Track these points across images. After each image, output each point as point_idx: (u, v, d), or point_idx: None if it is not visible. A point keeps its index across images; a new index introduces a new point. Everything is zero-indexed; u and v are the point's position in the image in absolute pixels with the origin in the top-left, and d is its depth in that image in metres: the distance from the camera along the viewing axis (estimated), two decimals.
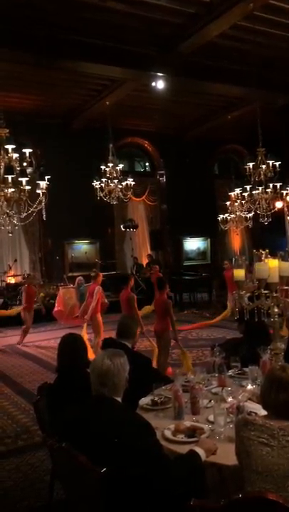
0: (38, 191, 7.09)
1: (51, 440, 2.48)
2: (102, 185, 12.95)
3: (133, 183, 13.23)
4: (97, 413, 2.21)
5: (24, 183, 6.61)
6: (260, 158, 9.01)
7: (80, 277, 11.39)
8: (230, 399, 2.94)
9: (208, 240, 17.77)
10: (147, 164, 17.77)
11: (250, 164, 9.02)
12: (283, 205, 11.83)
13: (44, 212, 6.88)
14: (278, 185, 8.88)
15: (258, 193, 9.04)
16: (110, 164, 12.90)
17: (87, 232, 14.83)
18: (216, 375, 3.43)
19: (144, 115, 14.99)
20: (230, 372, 3.49)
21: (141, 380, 3.52)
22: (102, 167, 12.83)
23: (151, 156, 17.38)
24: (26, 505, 3.44)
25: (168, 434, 2.55)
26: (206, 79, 11.87)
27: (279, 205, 11.34)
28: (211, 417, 2.72)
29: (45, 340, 9.42)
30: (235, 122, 15.59)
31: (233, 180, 16.40)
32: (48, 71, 10.67)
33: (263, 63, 11.55)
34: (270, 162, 8.88)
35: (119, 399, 2.30)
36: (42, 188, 6.91)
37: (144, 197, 16.76)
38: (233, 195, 15.44)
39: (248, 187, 9.17)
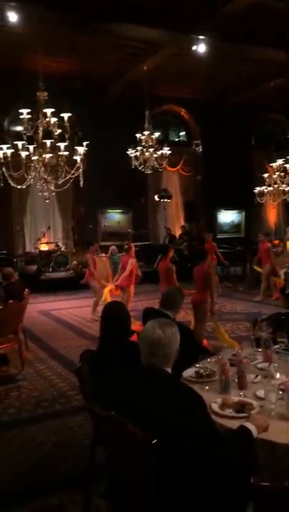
0: (75, 157, 6.96)
1: (96, 407, 2.45)
2: (138, 153, 12.75)
3: (169, 152, 12.95)
4: (147, 384, 2.14)
5: (62, 148, 6.48)
6: None
7: (113, 247, 11.35)
8: (278, 375, 2.84)
9: (243, 212, 17.37)
10: (183, 133, 17.33)
11: None
12: None
13: (82, 179, 6.77)
14: None
15: None
16: (146, 132, 12.65)
17: (120, 201, 14.68)
18: (260, 350, 3.32)
19: (182, 82, 14.50)
20: (276, 348, 3.37)
21: (184, 351, 3.46)
22: (138, 135, 12.60)
23: (187, 125, 16.92)
24: (66, 468, 3.47)
25: (215, 407, 2.47)
26: (250, 42, 11.30)
27: None
28: (259, 393, 2.62)
29: (78, 308, 9.48)
30: (276, 90, 14.91)
31: (272, 151, 15.88)
32: (84, 34, 10.37)
33: None
34: None
35: (169, 370, 2.23)
36: (80, 154, 6.78)
37: (178, 167, 16.42)
38: (272, 167, 15.03)
39: None
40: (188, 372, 3.00)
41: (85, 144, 6.73)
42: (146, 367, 2.20)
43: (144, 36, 11.00)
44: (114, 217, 14.99)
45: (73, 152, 7.02)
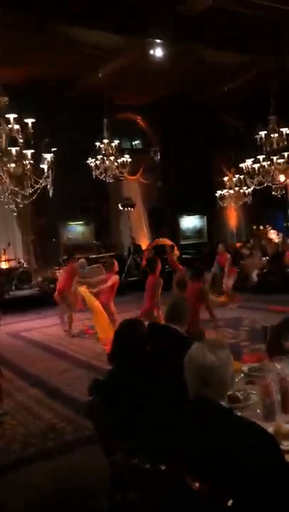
0: (42, 166, 6.48)
1: (126, 455, 2.03)
2: (98, 162, 12.37)
3: (129, 160, 12.67)
4: (200, 422, 1.74)
5: (29, 155, 5.98)
6: (271, 126, 8.48)
7: (82, 259, 10.78)
8: None
9: (205, 217, 17.32)
10: (140, 141, 17.11)
11: (262, 133, 8.47)
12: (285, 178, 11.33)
13: (51, 190, 6.28)
14: None
15: (269, 164, 8.53)
16: (105, 140, 12.31)
17: (82, 212, 14.21)
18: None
19: (137, 88, 14.26)
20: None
21: None
22: (97, 143, 12.24)
23: (144, 132, 16.72)
24: None
25: None
26: (206, 44, 11.20)
27: (282, 178, 10.89)
28: None
29: (50, 327, 8.89)
30: (231, 95, 15.00)
31: (231, 155, 15.93)
32: (40, 37, 9.90)
33: (264, 27, 10.95)
34: (284, 130, 8.34)
35: (223, 402, 1.84)
36: (48, 162, 6.30)
37: (138, 175, 16.13)
38: (231, 171, 15.07)
39: (260, 157, 8.62)
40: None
41: (52, 150, 6.25)
42: (196, 401, 1.80)
43: (100, 41, 10.67)
44: (77, 229, 14.47)
45: (38, 160, 6.52)
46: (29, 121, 6.24)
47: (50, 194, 6.41)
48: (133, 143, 17.12)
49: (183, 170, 16.00)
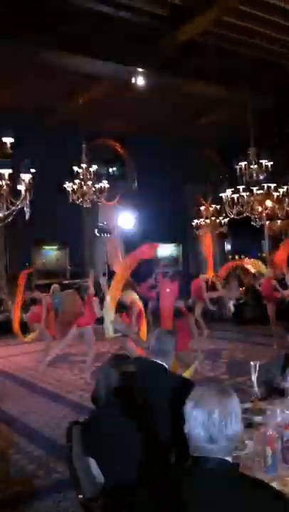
0: (19, 187, 6.23)
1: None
2: (75, 187, 12.22)
3: (107, 185, 12.57)
4: (207, 488, 1.49)
5: (6, 176, 5.73)
6: (250, 158, 8.53)
7: (55, 285, 10.45)
8: None
9: (181, 246, 17.27)
10: (117, 168, 17.08)
11: (243, 164, 8.50)
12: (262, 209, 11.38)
13: (28, 211, 6.02)
14: (272, 186, 8.40)
15: (248, 195, 8.54)
16: (83, 165, 12.21)
17: (56, 236, 13.92)
18: None
19: (119, 115, 14.34)
20: None
21: (178, 414, 2.83)
22: (75, 168, 12.12)
23: (122, 159, 16.69)
24: None
25: None
26: (187, 77, 11.35)
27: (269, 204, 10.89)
28: None
29: (25, 354, 8.47)
30: (208, 127, 15.25)
31: (207, 186, 16.09)
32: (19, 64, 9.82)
33: (245, 64, 11.21)
34: (263, 162, 8.39)
35: (229, 458, 1.60)
36: (26, 183, 6.06)
37: (115, 201, 16.00)
38: (207, 201, 15.20)
39: (240, 187, 8.62)
40: None
41: (32, 171, 6.02)
42: (197, 460, 1.56)
43: (83, 68, 10.65)
44: (50, 253, 14.13)
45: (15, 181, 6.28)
46: (8, 140, 6.02)
47: (27, 216, 6.14)
48: (111, 169, 17.07)
49: (159, 198, 15.99)
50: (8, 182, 5.96)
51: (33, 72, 10.69)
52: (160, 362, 3.11)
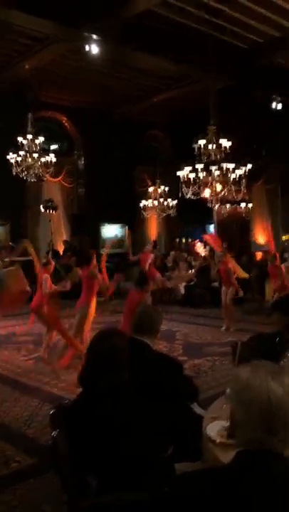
0: None
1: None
2: (19, 159, 11.49)
3: (54, 159, 11.95)
4: (266, 490, 1.20)
5: None
6: (209, 136, 8.33)
7: None
8: None
9: (126, 227, 16.92)
10: (63, 143, 16.33)
11: (201, 143, 8.27)
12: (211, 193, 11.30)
13: None
14: (231, 166, 8.26)
15: (206, 175, 8.36)
16: (29, 136, 11.49)
17: None
18: None
19: (67, 87, 13.68)
20: None
21: (171, 394, 2.57)
22: (20, 139, 11.38)
23: (69, 135, 15.99)
24: None
25: None
26: (144, 50, 10.92)
27: (207, 193, 10.84)
28: None
29: None
30: (159, 107, 14.95)
31: (157, 167, 15.82)
32: None
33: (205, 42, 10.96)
34: (224, 141, 8.21)
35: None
36: None
37: (60, 178, 15.33)
38: (157, 182, 14.94)
39: (198, 166, 8.40)
40: (214, 430, 2.10)
41: None
42: (254, 455, 1.26)
43: (33, 27, 9.87)
44: None
45: None
46: None
47: None
48: (56, 144, 16.29)
49: (107, 178, 15.51)
50: None
51: None
52: (142, 340, 2.81)
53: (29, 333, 7.93)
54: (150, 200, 14.86)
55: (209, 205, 9.48)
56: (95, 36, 10.19)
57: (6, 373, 5.84)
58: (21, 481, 3.26)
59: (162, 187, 14.80)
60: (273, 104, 12.27)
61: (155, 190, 15.08)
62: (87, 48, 10.37)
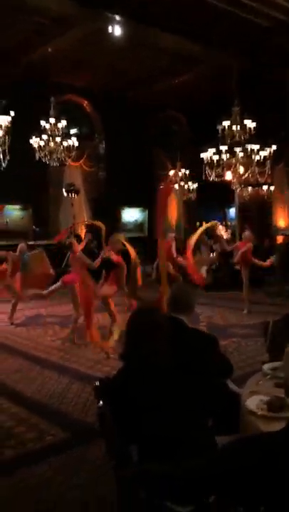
0: None
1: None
2: (42, 143, 11.54)
3: (77, 143, 11.98)
4: None
5: None
6: (233, 117, 8.24)
7: (22, 244, 9.89)
8: None
9: (147, 211, 16.93)
10: (84, 127, 16.31)
11: (226, 124, 8.19)
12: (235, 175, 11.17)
13: (7, 158, 5.49)
14: (256, 148, 8.17)
15: (229, 157, 8.30)
16: (52, 120, 11.51)
17: (20, 195, 13.19)
18: None
19: (87, 70, 13.56)
20: None
21: (208, 370, 2.61)
22: (43, 123, 11.40)
23: (90, 118, 15.96)
24: None
25: None
26: (165, 29, 10.76)
27: (229, 176, 10.72)
28: None
29: None
30: (180, 88, 14.75)
31: (177, 149, 15.71)
32: None
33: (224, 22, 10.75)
34: (248, 122, 8.12)
35: None
36: (2, 126, 5.50)
37: (81, 161, 15.37)
38: (177, 165, 14.86)
39: (223, 148, 8.33)
40: (253, 403, 2.15)
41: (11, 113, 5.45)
42: None
43: (54, 8, 9.81)
44: (13, 213, 13.43)
45: None
46: None
47: (4, 164, 5.61)
48: (77, 128, 16.27)
49: (126, 161, 15.47)
50: None
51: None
52: (180, 317, 2.86)
53: (55, 315, 8.09)
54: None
55: (233, 187, 9.39)
56: (117, 17, 10.11)
57: (35, 352, 5.99)
58: (55, 455, 3.37)
59: (183, 170, 14.74)
60: None
61: (176, 174, 15.03)
62: (110, 29, 10.32)
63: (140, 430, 2.07)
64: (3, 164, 5.71)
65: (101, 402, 2.02)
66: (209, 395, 2.40)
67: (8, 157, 5.57)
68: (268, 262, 8.20)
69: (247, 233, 8.23)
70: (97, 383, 2.16)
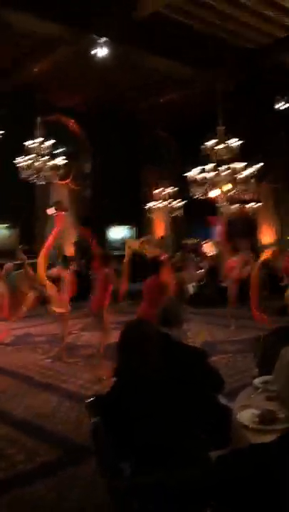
0: None
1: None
2: (28, 163, 11.59)
3: (64, 162, 12.06)
4: None
5: None
6: (218, 136, 8.41)
7: (9, 263, 9.87)
8: None
9: (134, 228, 17.04)
10: (70, 146, 16.44)
11: (210, 143, 8.35)
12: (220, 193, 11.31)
13: None
14: (240, 166, 8.33)
15: (214, 176, 8.44)
16: (38, 140, 11.59)
17: (7, 215, 13.21)
18: None
19: (74, 89, 13.75)
20: None
21: (199, 384, 2.64)
22: (27, 143, 11.48)
23: (76, 137, 16.12)
24: None
25: None
26: (152, 52, 11.01)
27: (214, 193, 10.86)
28: None
29: None
30: (165, 107, 15.03)
31: (163, 167, 15.92)
32: None
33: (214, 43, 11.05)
34: (233, 141, 8.29)
35: None
36: None
37: (68, 180, 15.45)
38: (162, 184, 15.03)
39: (207, 167, 8.48)
40: (245, 416, 2.18)
41: None
42: None
43: (41, 30, 9.98)
44: (0, 232, 13.42)
45: None
46: None
47: None
48: (63, 147, 16.40)
49: (112, 179, 15.63)
50: None
51: None
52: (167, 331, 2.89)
53: (44, 334, 8.05)
54: (157, 202, 14.98)
55: (217, 205, 9.53)
56: (103, 38, 10.32)
57: (24, 372, 5.94)
58: (47, 474, 3.34)
59: (169, 188, 14.91)
60: (278, 105, 12.36)
61: (162, 192, 15.18)
62: (94, 50, 10.52)
63: (133, 441, 2.08)
64: None
65: (94, 418, 2.03)
66: (201, 406, 2.42)
67: None
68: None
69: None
70: (90, 400, 2.17)
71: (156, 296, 5.21)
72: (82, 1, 9.16)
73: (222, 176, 8.19)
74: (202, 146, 8.43)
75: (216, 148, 8.55)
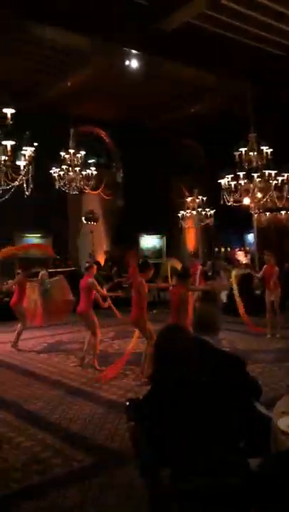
0: (19, 162, 5.86)
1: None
2: (62, 173, 11.82)
3: (95, 172, 12.23)
4: None
5: (9, 147, 5.35)
6: (250, 143, 8.36)
7: (43, 271, 10.06)
8: None
9: (165, 237, 17.06)
10: (102, 157, 16.69)
11: (242, 150, 8.31)
12: (251, 202, 11.23)
13: (30, 187, 5.65)
14: (273, 173, 8.25)
15: (246, 183, 8.37)
16: (71, 151, 11.81)
17: (39, 223, 13.46)
18: None
19: (105, 101, 13.96)
20: None
21: (237, 391, 2.60)
22: (63, 153, 11.71)
23: (107, 148, 16.35)
24: None
25: None
26: (181, 62, 11.07)
27: (246, 201, 10.77)
28: None
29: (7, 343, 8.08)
30: (195, 116, 15.05)
31: (194, 176, 15.91)
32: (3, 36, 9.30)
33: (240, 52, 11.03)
34: (265, 148, 8.23)
35: None
36: (26, 158, 5.69)
37: (99, 190, 15.65)
38: (194, 192, 15.02)
39: (239, 174, 8.43)
40: (285, 423, 2.14)
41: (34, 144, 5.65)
42: None
43: (72, 43, 10.20)
44: (34, 241, 13.68)
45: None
46: (8, 111, 5.63)
47: (28, 193, 5.77)
48: (95, 158, 16.65)
49: (143, 189, 15.72)
50: (10, 155, 5.58)
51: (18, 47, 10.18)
52: (203, 338, 2.87)
53: (77, 341, 8.12)
54: (188, 210, 14.97)
55: (251, 212, 9.44)
56: (133, 51, 10.46)
57: (58, 378, 6.00)
58: (82, 479, 3.35)
59: (200, 197, 14.89)
60: None
61: (193, 200, 15.18)
62: (126, 62, 10.68)
63: (170, 447, 2.07)
64: (26, 193, 5.84)
65: (132, 423, 2.04)
66: (239, 413, 2.39)
67: (31, 185, 5.71)
68: None
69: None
70: (128, 403, 2.17)
71: (178, 305, 5.26)
72: (113, 14, 9.28)
73: (254, 183, 8.09)
74: (235, 153, 8.36)
75: (249, 154, 8.47)
